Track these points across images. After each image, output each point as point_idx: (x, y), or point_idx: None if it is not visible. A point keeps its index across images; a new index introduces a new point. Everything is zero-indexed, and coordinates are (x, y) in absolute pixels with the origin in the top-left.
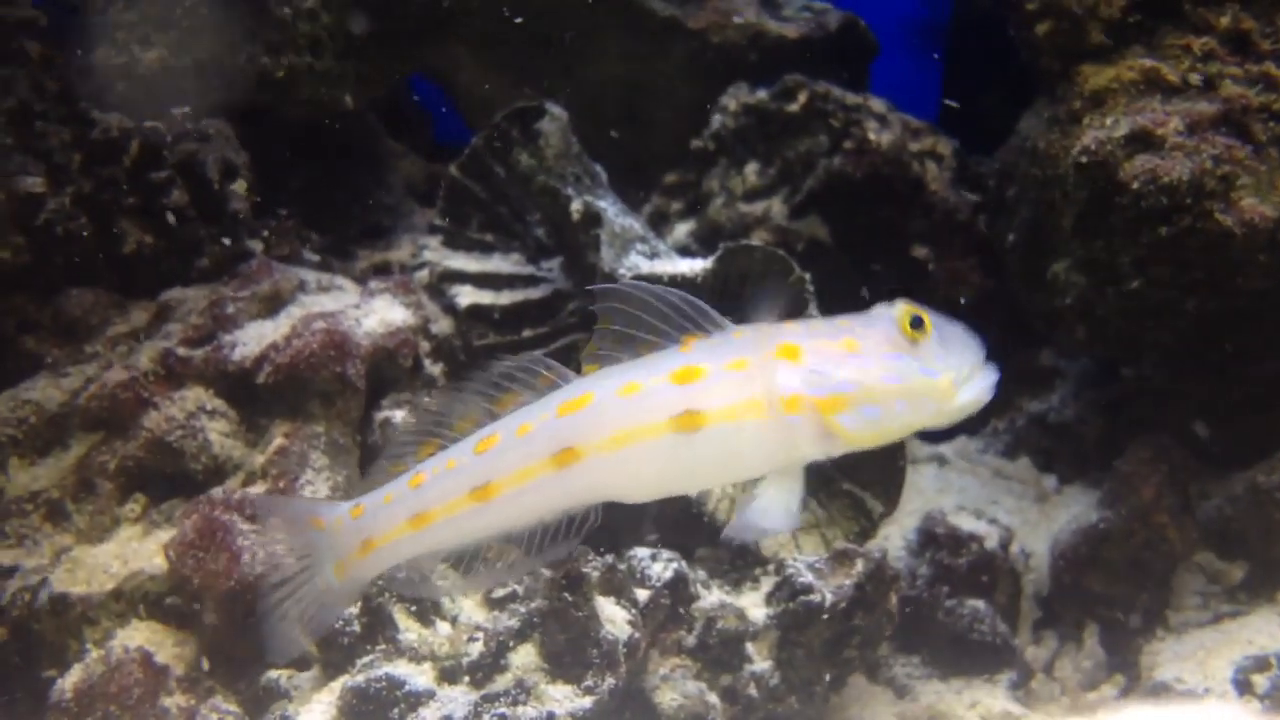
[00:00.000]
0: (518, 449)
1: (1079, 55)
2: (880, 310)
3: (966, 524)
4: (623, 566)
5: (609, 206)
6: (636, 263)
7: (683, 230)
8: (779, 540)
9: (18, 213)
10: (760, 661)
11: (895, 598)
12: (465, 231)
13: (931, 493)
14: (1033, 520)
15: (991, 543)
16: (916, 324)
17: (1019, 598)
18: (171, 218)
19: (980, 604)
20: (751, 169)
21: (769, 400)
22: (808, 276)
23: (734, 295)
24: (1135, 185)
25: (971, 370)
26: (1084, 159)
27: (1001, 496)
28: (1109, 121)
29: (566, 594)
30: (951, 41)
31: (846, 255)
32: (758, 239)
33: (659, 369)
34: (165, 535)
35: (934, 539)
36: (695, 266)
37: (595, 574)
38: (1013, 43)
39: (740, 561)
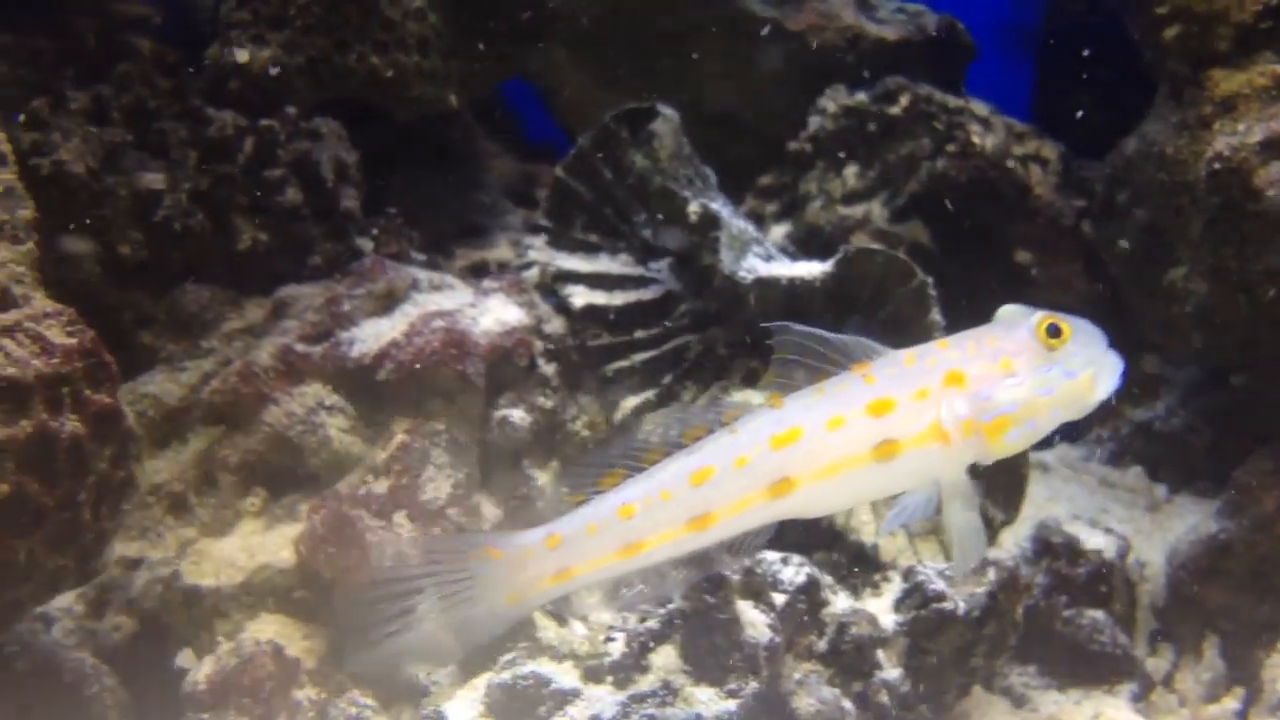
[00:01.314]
0: (736, 480)
1: (1208, 60)
2: (1016, 320)
3: (1083, 533)
4: (758, 570)
5: (723, 208)
6: (754, 265)
7: (779, 232)
8: (897, 546)
9: (137, 209)
10: (890, 669)
11: (1022, 607)
12: (570, 232)
13: (1041, 500)
14: (1145, 529)
15: (1110, 553)
16: (1053, 332)
17: (1135, 608)
18: (285, 215)
19: (1099, 614)
20: (851, 171)
21: (947, 427)
22: (930, 281)
23: (852, 299)
24: (1271, 192)
25: (1103, 361)
26: (1216, 165)
27: (1111, 505)
28: (1241, 127)
29: (709, 596)
30: (1043, 45)
31: (948, 259)
32: (857, 242)
33: (854, 402)
34: (287, 529)
35: (1050, 548)
36: (813, 270)
37: (736, 577)
38: (1105, 46)
39: (859, 566)
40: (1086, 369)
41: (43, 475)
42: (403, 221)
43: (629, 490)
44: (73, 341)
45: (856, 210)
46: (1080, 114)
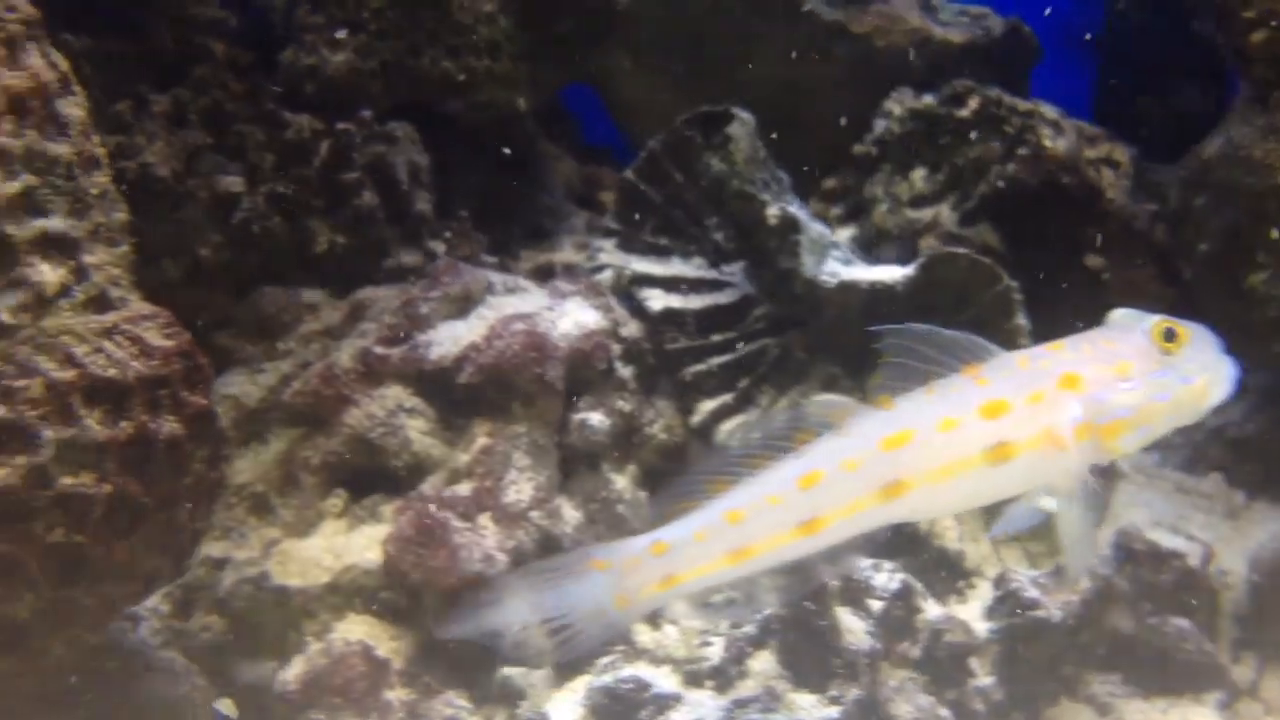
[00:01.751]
0: (846, 483)
1: None
2: (1131, 324)
3: (1165, 540)
4: (853, 577)
5: (800, 211)
6: (835, 269)
7: (844, 235)
8: (981, 552)
9: (216, 211)
10: (984, 676)
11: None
12: (639, 234)
13: (1118, 507)
14: (1225, 536)
15: (1194, 560)
16: (1169, 336)
17: (1218, 616)
18: (361, 217)
19: (1184, 622)
20: (919, 174)
21: (1063, 430)
22: (1015, 285)
23: (933, 303)
24: None
25: (1217, 367)
26: None
27: (1189, 512)
28: None
29: (809, 603)
30: (1103, 47)
31: (1018, 263)
32: (926, 245)
33: (967, 404)
34: (369, 530)
35: (1133, 555)
36: (894, 274)
37: (836, 584)
38: (1166, 49)
39: (943, 572)
40: (1201, 374)
41: (142, 476)
42: (472, 224)
43: (737, 496)
44: (170, 343)
45: (925, 214)
46: (1141, 116)
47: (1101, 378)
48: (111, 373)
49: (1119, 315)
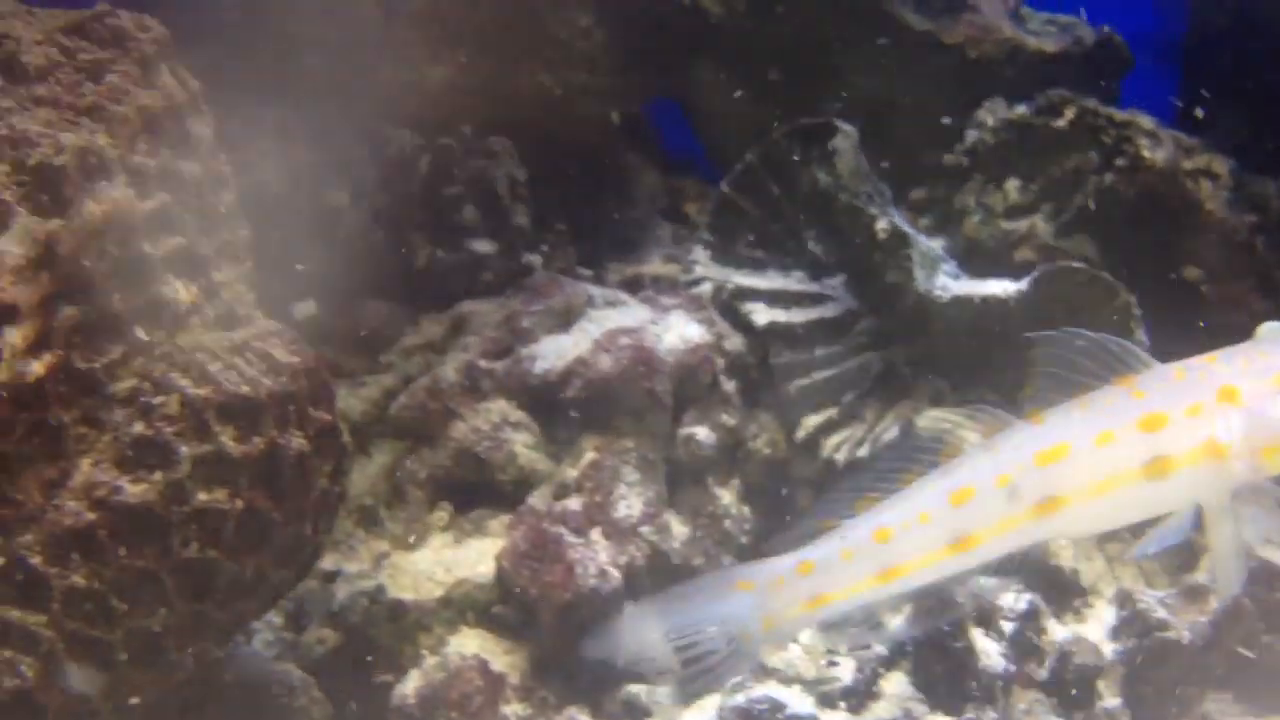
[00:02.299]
0: (999, 500)
1: None
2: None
3: (1277, 557)
4: (982, 597)
5: (908, 225)
6: (946, 283)
7: (920, 236)
8: (1096, 570)
9: (322, 226)
10: (1110, 698)
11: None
12: (734, 247)
13: None
14: None
15: None
16: None
17: None
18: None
19: None
20: (1012, 185)
21: (1222, 444)
22: (1133, 300)
23: (1046, 317)
24: None
25: None
26: None
27: None
28: None
29: (945, 627)
30: (1187, 57)
31: (1115, 275)
32: (1021, 256)
33: (1124, 417)
34: (477, 544)
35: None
36: (1009, 288)
37: (969, 604)
38: (1250, 59)
39: (1058, 591)
40: None
41: (272, 491)
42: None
43: (885, 514)
44: (296, 360)
45: (1020, 225)
46: (1225, 126)
47: (1260, 391)
48: (245, 389)
49: (1269, 329)
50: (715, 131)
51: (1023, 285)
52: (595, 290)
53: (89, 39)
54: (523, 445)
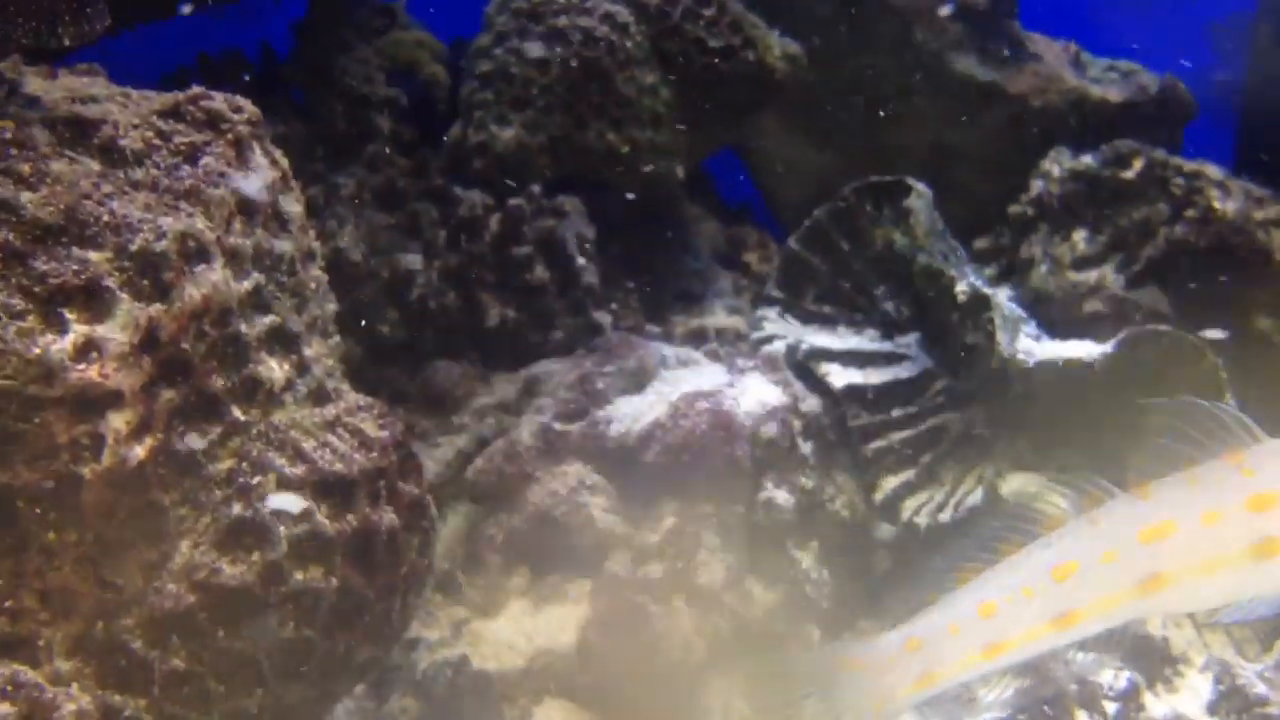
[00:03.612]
0: (1103, 576)
1: None
2: None
3: None
4: (1081, 674)
5: (986, 285)
6: (1029, 346)
7: (1000, 297)
8: (1185, 637)
9: (394, 289)
10: None
11: None
12: (801, 302)
13: None
14: None
15: None
16: None
17: None
18: (531, 291)
19: None
20: (1080, 236)
21: None
22: (1220, 363)
23: (1129, 380)
24: None
25: None
26: None
27: None
28: None
29: (1047, 708)
30: (1245, 101)
31: (1186, 326)
32: (1091, 308)
33: (1232, 495)
34: (556, 610)
35: None
36: (1093, 351)
37: (1074, 688)
38: None
39: (1147, 659)
40: None
41: (365, 568)
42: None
43: (988, 588)
44: (386, 434)
45: (1088, 276)
46: None
47: None
48: (338, 467)
49: None
50: (773, 179)
51: (1108, 348)
52: (667, 350)
53: (184, 121)
54: (600, 509)
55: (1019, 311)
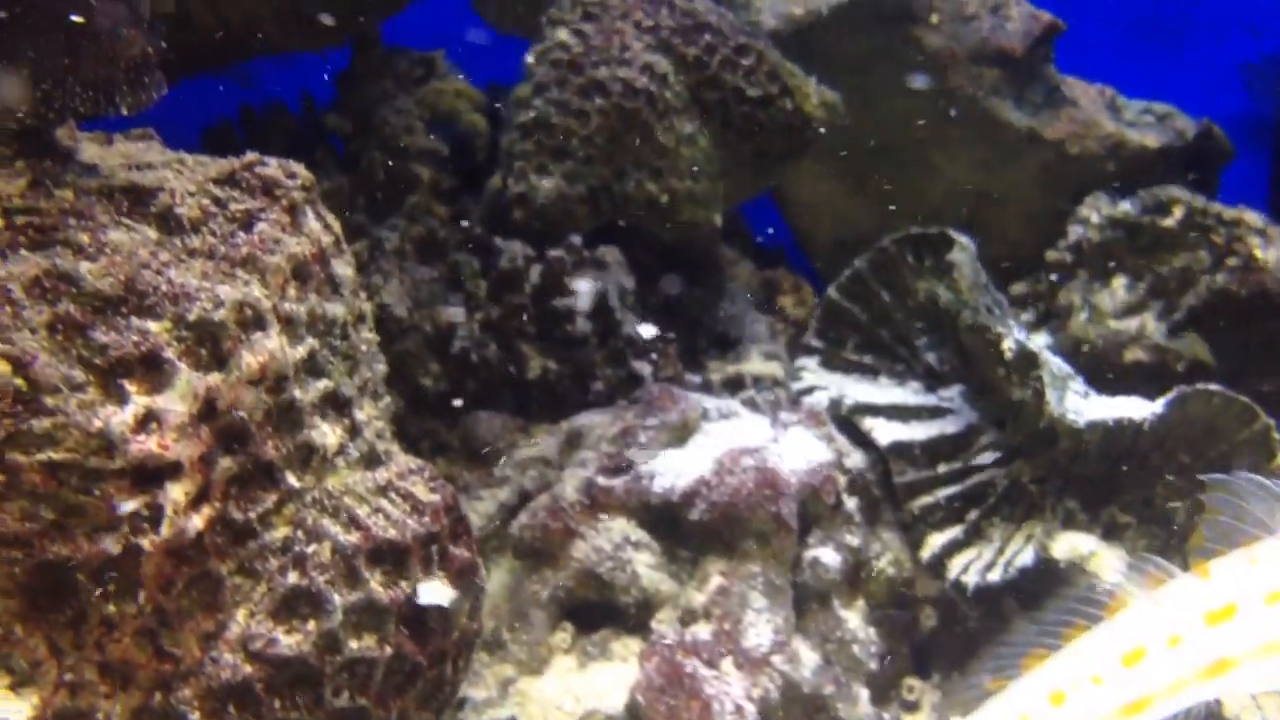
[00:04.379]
0: (1170, 661)
1: None
2: None
3: None
4: None
5: (1030, 340)
6: (1079, 406)
7: (1039, 343)
8: (1240, 702)
9: (437, 341)
10: None
11: None
12: (841, 352)
13: None
14: None
15: None
16: None
17: None
18: (572, 343)
19: None
20: (1119, 283)
21: None
22: (1273, 424)
23: (1178, 440)
24: None
25: None
26: None
27: None
28: None
29: None
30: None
31: (1228, 376)
32: (1132, 357)
33: None
34: (602, 669)
35: None
36: (1143, 411)
37: None
38: None
39: None
40: None
41: (417, 634)
42: (676, 345)
43: (1056, 674)
44: (437, 498)
45: (1129, 324)
46: None
47: None
48: (391, 533)
49: None
50: (806, 220)
51: (1158, 408)
52: (709, 403)
53: (239, 188)
54: (645, 565)
55: (1066, 368)
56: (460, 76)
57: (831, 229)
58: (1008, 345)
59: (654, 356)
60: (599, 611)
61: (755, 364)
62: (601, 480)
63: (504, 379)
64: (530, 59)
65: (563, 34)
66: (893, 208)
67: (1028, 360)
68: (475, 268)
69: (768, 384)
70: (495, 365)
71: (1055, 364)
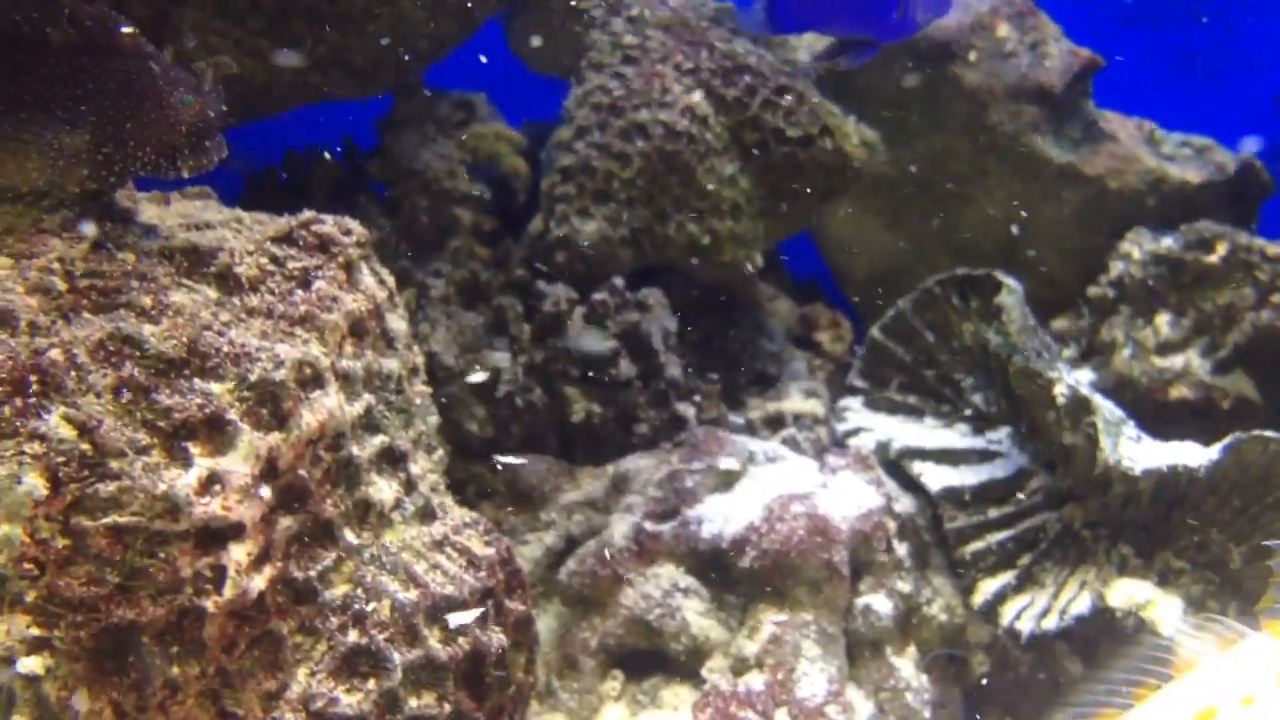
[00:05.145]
0: None
1: None
2: None
3: None
4: None
5: (1082, 384)
6: (1133, 452)
7: (1081, 379)
8: None
9: (482, 386)
10: None
11: None
12: (884, 392)
13: None
14: None
15: None
16: None
17: None
18: (616, 386)
19: None
20: (1163, 320)
21: None
22: None
23: (1232, 484)
24: None
25: None
26: None
27: None
28: None
29: None
30: None
31: (1275, 413)
32: (1177, 395)
33: None
34: (653, 716)
35: None
36: (1198, 457)
37: None
38: None
39: None
40: None
41: (476, 691)
42: (720, 386)
43: None
44: (492, 552)
45: (1174, 362)
46: None
47: None
48: (449, 590)
49: None
50: (842, 255)
51: (1213, 454)
52: (755, 445)
53: (297, 246)
54: (694, 612)
55: (1119, 413)
56: (497, 115)
57: (867, 264)
58: (1060, 391)
59: (697, 398)
60: (649, 659)
61: (795, 402)
62: (649, 526)
63: (548, 422)
64: (570, 103)
65: (603, 77)
66: (928, 242)
67: (1080, 406)
68: (519, 311)
69: (808, 422)
70: (540, 409)
71: (1108, 409)
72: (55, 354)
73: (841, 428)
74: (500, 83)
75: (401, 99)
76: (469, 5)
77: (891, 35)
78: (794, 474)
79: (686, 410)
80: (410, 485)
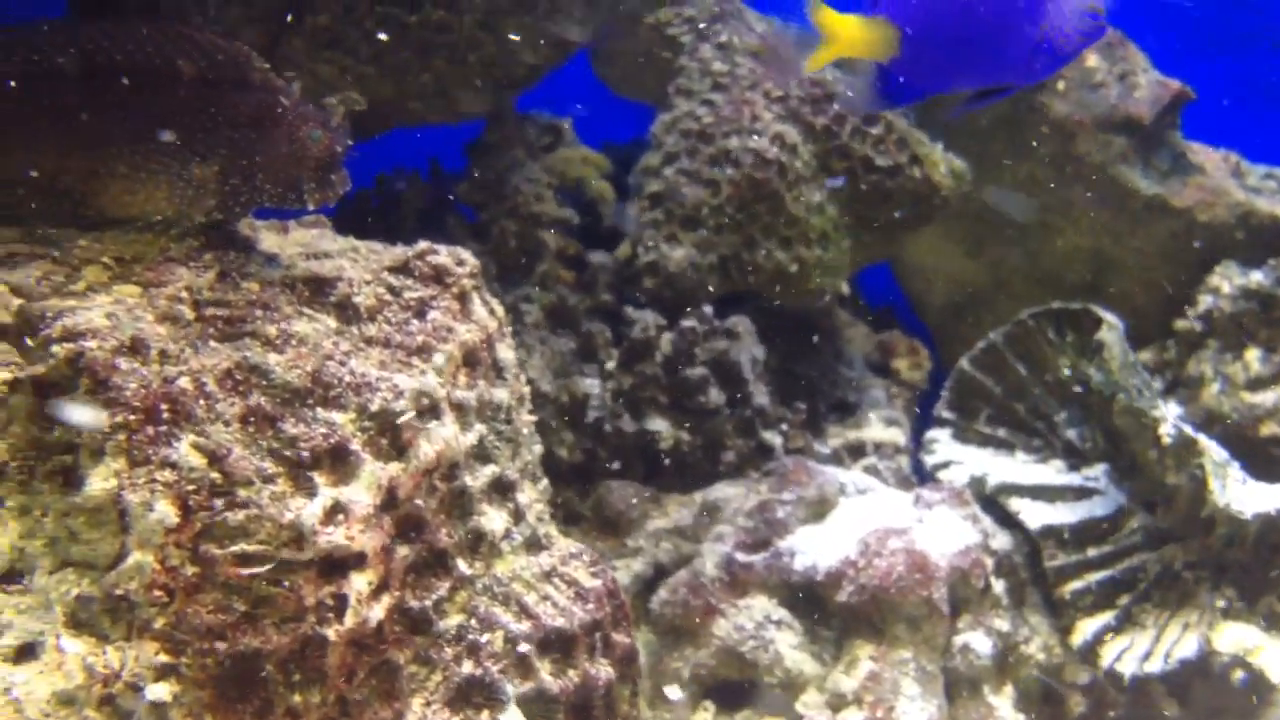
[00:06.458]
0: None
1: None
2: None
3: None
4: None
5: (1186, 423)
6: (1242, 496)
7: (1207, 440)
8: None
9: (572, 412)
10: None
11: None
12: (973, 424)
13: None
14: None
15: None
16: None
17: None
18: (704, 413)
19: None
20: (1254, 355)
21: None
22: None
23: None
24: None
25: None
26: None
27: None
28: None
29: None
30: None
31: None
32: (1268, 432)
33: None
34: None
35: None
36: None
37: None
38: None
39: None
40: None
41: None
42: (806, 415)
43: None
44: (599, 583)
45: (1264, 398)
46: None
47: None
48: (560, 622)
49: None
50: (920, 282)
51: None
52: (845, 477)
53: (412, 276)
54: (788, 645)
55: (1224, 453)
56: (580, 143)
57: (946, 291)
58: (1165, 431)
59: (784, 427)
60: (739, 689)
61: (876, 430)
62: (741, 556)
63: (636, 449)
64: (657, 128)
65: (692, 104)
66: (1011, 272)
67: (1187, 447)
68: (608, 337)
69: (889, 451)
70: (628, 436)
71: (1215, 450)
72: (185, 382)
73: (930, 460)
74: (565, 104)
75: (493, 123)
76: (569, 35)
77: (1032, 75)
78: (886, 507)
79: (773, 439)
80: (518, 515)
